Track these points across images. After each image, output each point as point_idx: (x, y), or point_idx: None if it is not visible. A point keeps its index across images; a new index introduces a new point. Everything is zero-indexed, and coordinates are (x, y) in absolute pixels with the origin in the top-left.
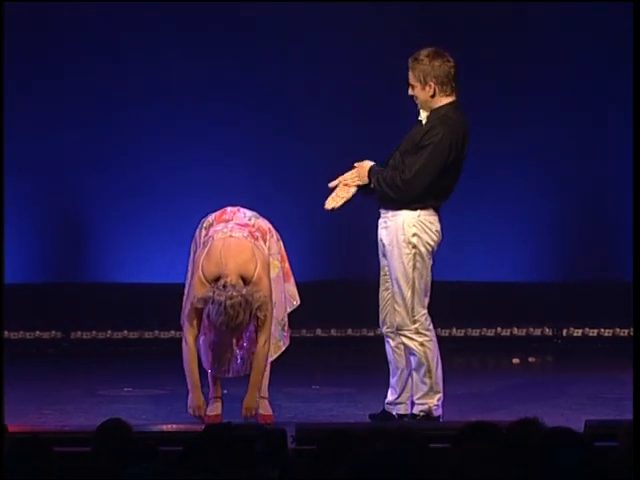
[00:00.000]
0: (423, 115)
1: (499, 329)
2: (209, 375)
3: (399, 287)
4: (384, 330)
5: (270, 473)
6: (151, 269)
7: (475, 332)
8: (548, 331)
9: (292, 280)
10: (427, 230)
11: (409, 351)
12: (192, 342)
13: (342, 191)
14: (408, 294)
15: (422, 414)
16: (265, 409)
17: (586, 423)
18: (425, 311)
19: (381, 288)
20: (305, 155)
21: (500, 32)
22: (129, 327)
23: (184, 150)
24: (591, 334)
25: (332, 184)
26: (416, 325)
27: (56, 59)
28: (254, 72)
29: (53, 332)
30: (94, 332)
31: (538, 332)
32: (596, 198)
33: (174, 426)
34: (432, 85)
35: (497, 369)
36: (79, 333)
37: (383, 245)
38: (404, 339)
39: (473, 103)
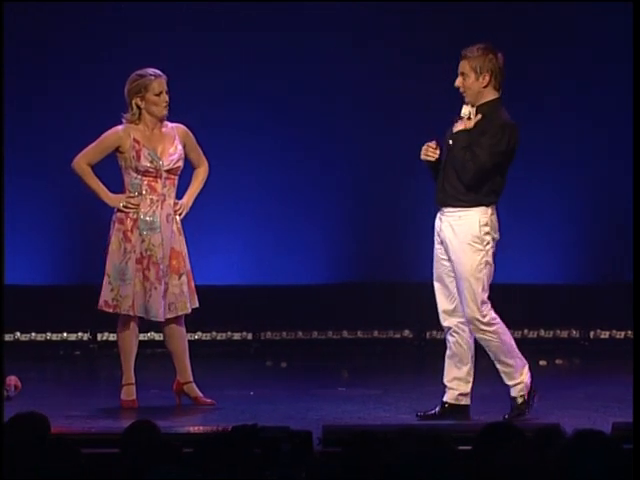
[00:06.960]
0: (467, 110)
1: (526, 331)
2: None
3: (470, 284)
4: (456, 322)
5: (296, 475)
6: None
7: None
8: (575, 333)
9: None
10: (495, 228)
11: (484, 343)
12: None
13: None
14: (479, 290)
15: (522, 395)
16: (197, 392)
17: (614, 425)
18: (489, 304)
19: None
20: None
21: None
22: (155, 329)
23: None
24: (618, 336)
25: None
26: (487, 319)
27: (57, 60)
28: (266, 73)
29: (80, 334)
30: None
31: (565, 334)
32: (625, 200)
33: (200, 427)
34: (487, 76)
35: None
36: (106, 334)
37: (449, 243)
38: (477, 332)
39: None
